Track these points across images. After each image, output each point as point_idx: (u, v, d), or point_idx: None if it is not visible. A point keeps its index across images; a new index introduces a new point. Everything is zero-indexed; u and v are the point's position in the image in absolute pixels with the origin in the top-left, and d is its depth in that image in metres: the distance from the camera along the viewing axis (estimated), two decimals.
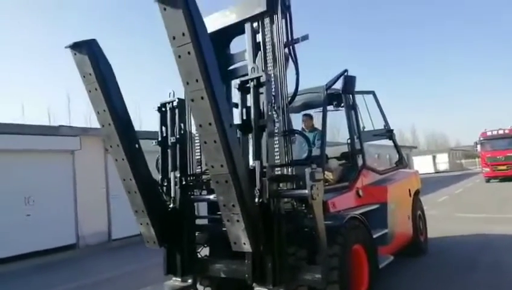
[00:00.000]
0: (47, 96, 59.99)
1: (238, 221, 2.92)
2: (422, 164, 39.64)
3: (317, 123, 5.31)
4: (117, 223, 10.28)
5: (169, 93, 4.03)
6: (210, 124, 2.67)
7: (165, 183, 3.92)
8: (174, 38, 2.56)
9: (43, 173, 9.36)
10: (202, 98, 2.61)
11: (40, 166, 9.33)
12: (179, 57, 2.59)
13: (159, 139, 3.95)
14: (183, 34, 2.50)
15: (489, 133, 22.46)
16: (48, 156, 9.56)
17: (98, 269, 7.34)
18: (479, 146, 22.75)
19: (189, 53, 2.53)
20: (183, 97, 4.17)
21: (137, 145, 3.43)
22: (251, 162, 3.41)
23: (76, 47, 3.10)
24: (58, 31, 54.93)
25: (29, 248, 8.64)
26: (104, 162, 10.31)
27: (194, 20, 2.50)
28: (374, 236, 4.09)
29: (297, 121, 5.34)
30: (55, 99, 66.29)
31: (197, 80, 2.58)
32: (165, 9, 2.51)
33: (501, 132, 22.19)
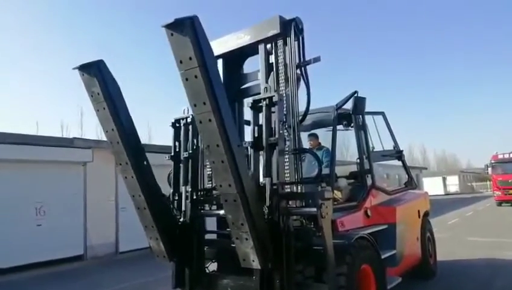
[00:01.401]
0: (60, 110, 61.10)
1: (246, 239, 2.96)
2: (432, 186, 39.17)
3: (323, 141, 5.38)
4: (125, 236, 10.35)
5: (184, 110, 4.15)
6: (218, 145, 2.71)
7: (176, 198, 4.00)
8: (181, 62, 2.59)
9: (55, 183, 9.53)
10: (210, 120, 2.65)
11: (52, 177, 9.50)
12: (186, 80, 2.64)
13: (172, 153, 4.04)
14: (190, 58, 2.53)
15: (500, 156, 22.19)
16: (60, 167, 9.75)
17: (106, 281, 7.37)
18: (490, 169, 22.46)
19: (196, 77, 2.57)
20: None
21: (145, 162, 3.49)
22: (261, 179, 3.48)
23: (84, 68, 3.18)
24: (74, 46, 56.35)
25: (38, 258, 8.74)
26: (114, 174, 10.44)
27: (200, 44, 2.53)
28: (382, 257, 4.09)
29: (303, 140, 5.42)
30: (68, 113, 67.66)
31: (204, 103, 2.62)
32: (172, 34, 2.53)
33: None
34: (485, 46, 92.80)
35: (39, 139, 9.97)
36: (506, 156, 22.00)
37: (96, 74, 3.15)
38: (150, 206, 3.42)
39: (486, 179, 42.00)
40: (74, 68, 3.20)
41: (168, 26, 2.51)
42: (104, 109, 3.22)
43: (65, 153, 9.80)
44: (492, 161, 22.29)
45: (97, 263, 9.46)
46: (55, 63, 56.51)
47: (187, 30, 2.48)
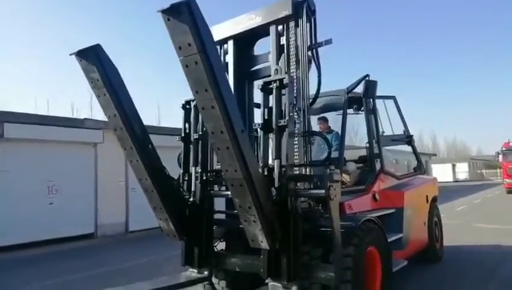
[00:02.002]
0: (71, 92, 61.48)
1: (254, 221, 3.01)
2: (441, 172, 38.95)
3: (333, 125, 5.37)
4: (134, 216, 10.55)
5: None
6: (222, 132, 2.68)
7: (186, 178, 4.05)
8: (180, 48, 2.50)
9: (67, 163, 9.70)
10: (213, 107, 2.61)
11: (64, 157, 9.67)
12: (186, 66, 2.56)
13: (182, 135, 4.08)
14: (189, 45, 2.44)
15: None
16: (72, 148, 9.90)
17: (115, 258, 7.57)
18: (500, 156, 22.24)
19: (196, 63, 2.49)
20: None
21: (150, 146, 3.48)
22: (270, 161, 3.51)
23: (81, 54, 3.08)
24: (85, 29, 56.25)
25: (50, 235, 9.01)
26: (124, 156, 10.56)
27: (199, 29, 2.44)
28: (389, 240, 4.12)
29: (313, 124, 5.40)
30: (79, 95, 68.01)
31: (206, 90, 2.56)
32: (168, 19, 2.43)
33: None
34: (498, 32, 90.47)
35: (52, 120, 10.11)
36: None
37: (94, 59, 3.07)
38: (157, 188, 3.45)
39: (497, 167, 41.55)
40: (71, 54, 3.10)
41: (164, 12, 2.40)
42: (104, 95, 3.18)
43: (76, 134, 9.95)
44: (504, 148, 22.04)
45: (107, 242, 9.69)
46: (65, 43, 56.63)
47: (184, 15, 2.38)
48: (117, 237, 10.29)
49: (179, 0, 2.37)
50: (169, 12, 2.40)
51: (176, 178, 3.92)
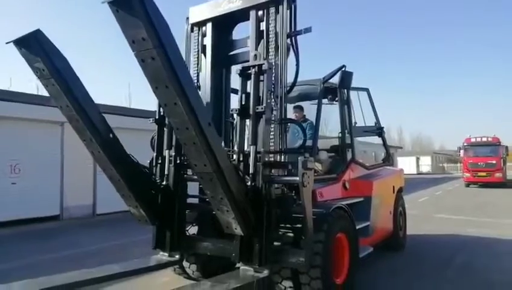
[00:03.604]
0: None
1: (227, 211, 3.04)
2: (406, 165, 40.23)
3: (308, 114, 5.43)
4: (102, 199, 10.31)
5: None
6: (187, 128, 2.59)
7: (159, 162, 3.99)
8: (133, 42, 2.28)
9: (31, 142, 9.30)
10: (175, 103, 2.47)
11: (28, 135, 9.26)
12: (142, 61, 2.35)
13: (157, 117, 4.00)
14: (144, 39, 2.23)
15: (473, 140, 23.02)
16: (37, 126, 9.49)
17: (83, 241, 7.40)
18: (462, 151, 23.31)
19: (153, 58, 2.29)
20: None
21: (111, 135, 3.31)
22: (246, 147, 3.53)
23: (20, 42, 2.78)
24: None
25: (13, 216, 8.67)
26: None
27: (153, 22, 2.21)
28: (357, 227, 4.26)
29: (288, 112, 5.44)
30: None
31: (166, 86, 2.41)
32: (117, 11, 2.18)
33: (484, 139, 22.78)
34: (466, 29, 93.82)
35: (14, 95, 9.62)
36: (479, 139, 22.86)
37: (36, 47, 2.77)
38: (123, 177, 3.33)
39: (457, 161, 43.61)
40: (8, 42, 2.76)
41: (111, 3, 2.13)
42: (53, 85, 2.93)
43: (41, 112, 9.49)
44: (465, 144, 23.12)
45: (73, 224, 9.44)
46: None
47: (136, 7, 2.12)
48: (84, 219, 10.04)
49: None
50: (118, 4, 2.13)
51: (143, 164, 3.78)
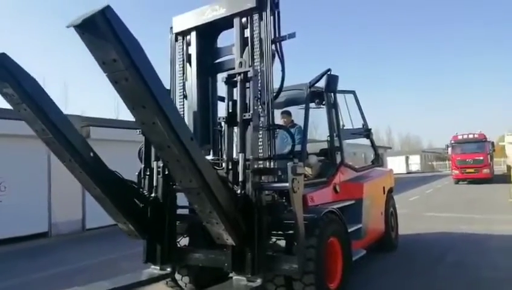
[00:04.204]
0: None
1: (217, 223, 3.00)
2: (395, 165, 40.71)
3: (296, 119, 5.44)
4: (92, 213, 10.11)
5: None
6: (169, 146, 2.52)
7: (148, 173, 3.94)
8: (103, 63, 2.14)
9: (17, 159, 9.10)
10: (154, 123, 2.38)
11: (14, 152, 9.07)
12: (115, 82, 2.22)
13: None
14: (114, 61, 2.10)
15: (460, 137, 23.37)
16: (23, 142, 9.26)
17: (72, 258, 7.24)
18: (450, 149, 23.64)
19: (126, 80, 2.18)
20: (168, 87, 4.21)
21: (92, 154, 3.21)
22: (235, 155, 3.50)
23: None
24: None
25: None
26: None
27: (123, 42, 2.08)
28: (349, 230, 4.25)
29: (276, 117, 5.44)
30: None
31: (144, 106, 2.31)
32: (83, 33, 2.02)
33: (471, 136, 23.15)
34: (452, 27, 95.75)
35: None
36: (465, 136, 23.22)
37: (3, 72, 2.63)
38: (108, 195, 3.26)
39: (446, 159, 44.19)
40: None
41: (76, 28, 1.96)
42: (25, 110, 2.80)
43: (27, 127, 9.31)
44: (453, 141, 23.45)
45: (63, 240, 9.26)
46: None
47: (102, 29, 1.98)
48: (73, 235, 9.84)
49: (91, 11, 1.95)
50: (84, 28, 1.97)
51: (129, 179, 3.71)
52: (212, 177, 2.86)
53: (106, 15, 1.97)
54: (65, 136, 2.98)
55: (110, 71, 2.17)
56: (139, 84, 2.21)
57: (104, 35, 2.00)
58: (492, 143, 23.83)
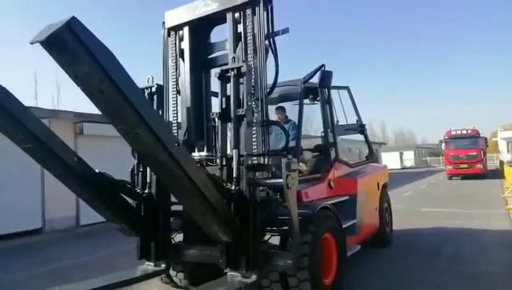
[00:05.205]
0: (13, 78, 57.03)
1: (211, 223, 3.01)
2: (390, 160, 40.94)
3: (290, 115, 5.43)
4: (86, 209, 9.99)
5: (148, 79, 4.02)
6: (154, 154, 2.48)
7: (141, 169, 3.91)
8: (76, 77, 1.99)
9: (10, 154, 8.98)
10: (137, 133, 2.29)
11: (5, 148, 8.95)
12: (91, 95, 2.10)
13: None
14: (87, 74, 1.98)
15: (453, 133, 23.50)
16: None
17: (67, 254, 7.21)
18: (443, 144, 23.76)
19: (102, 92, 2.05)
20: (161, 83, 4.18)
21: (76, 159, 3.07)
22: (228, 151, 3.49)
23: None
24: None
25: None
26: (73, 146, 10.01)
27: (94, 54, 1.93)
28: (343, 226, 4.26)
29: (270, 113, 5.43)
30: (22, 81, 63.24)
31: (123, 118, 2.23)
32: (50, 49, 1.87)
33: (464, 131, 23.28)
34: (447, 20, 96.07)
35: None
36: (459, 132, 23.36)
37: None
38: (98, 198, 3.22)
39: (439, 154, 44.46)
40: None
41: (43, 43, 1.78)
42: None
43: None
44: (446, 137, 23.57)
45: (57, 237, 9.22)
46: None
47: (69, 43, 1.82)
48: (67, 231, 9.81)
49: (55, 24, 1.80)
50: (50, 43, 1.80)
51: (120, 179, 3.62)
52: (202, 180, 2.80)
53: (72, 27, 1.81)
54: (45, 144, 2.83)
55: (84, 85, 2.04)
56: (116, 96, 2.10)
57: (72, 49, 1.85)
58: (486, 139, 23.98)
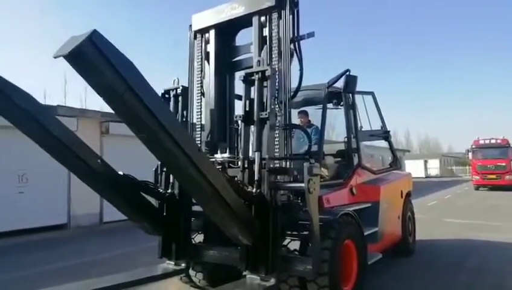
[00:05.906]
0: (44, 78, 59.18)
1: (231, 226, 3.01)
2: (414, 168, 39.98)
3: (313, 120, 5.40)
4: (109, 207, 10.20)
5: (174, 81, 4.08)
6: (175, 160, 2.50)
7: (164, 169, 3.97)
8: (98, 89, 2.06)
9: (38, 151, 9.29)
10: (158, 141, 2.34)
11: (36, 145, 9.30)
12: (112, 104, 2.16)
13: None
14: (110, 86, 2.04)
15: (481, 142, 22.76)
16: None
17: (89, 249, 7.40)
18: (470, 154, 23.05)
19: (124, 102, 2.10)
20: (187, 85, 4.24)
21: (99, 161, 3.12)
22: (251, 153, 3.50)
23: None
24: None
25: (20, 225, 8.67)
26: (99, 145, 10.30)
27: (116, 67, 1.97)
28: (365, 233, 4.19)
29: (293, 117, 5.40)
30: (52, 81, 65.62)
31: (145, 126, 2.25)
32: (73, 62, 1.91)
33: (493, 141, 22.51)
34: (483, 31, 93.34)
35: None
36: (487, 141, 22.60)
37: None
38: (121, 199, 3.29)
39: (466, 164, 43.15)
40: None
41: (67, 57, 1.83)
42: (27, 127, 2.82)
43: None
44: (474, 146, 22.85)
45: (81, 232, 9.46)
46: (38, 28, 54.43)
47: (91, 56, 1.87)
48: (91, 227, 10.06)
49: (77, 37, 1.85)
50: (74, 57, 1.85)
51: (143, 180, 3.64)
52: (222, 183, 2.80)
53: (94, 41, 1.86)
54: (69, 148, 2.92)
55: (106, 96, 2.09)
56: (138, 106, 2.14)
57: (94, 62, 1.90)
58: None
